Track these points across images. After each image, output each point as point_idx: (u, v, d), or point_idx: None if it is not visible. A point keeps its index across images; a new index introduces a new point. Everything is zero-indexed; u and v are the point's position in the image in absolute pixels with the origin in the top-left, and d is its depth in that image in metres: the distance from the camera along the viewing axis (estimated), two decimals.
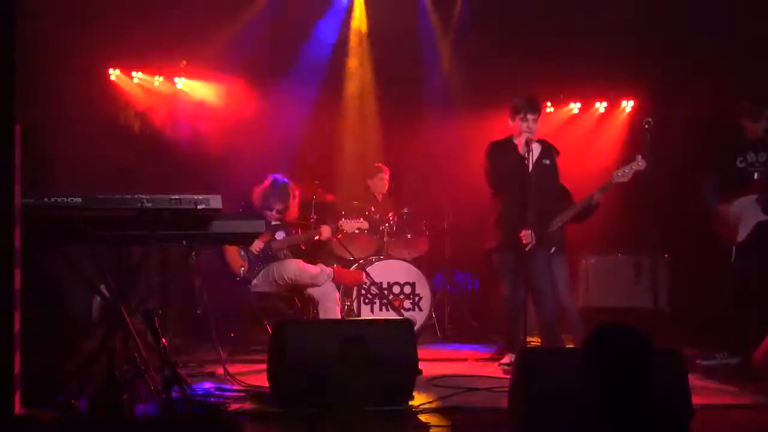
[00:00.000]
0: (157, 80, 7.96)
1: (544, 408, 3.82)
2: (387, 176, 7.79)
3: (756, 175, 6.04)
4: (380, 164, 7.81)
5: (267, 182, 6.57)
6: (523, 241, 5.66)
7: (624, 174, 5.73)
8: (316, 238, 6.78)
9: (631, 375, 2.61)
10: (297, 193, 6.67)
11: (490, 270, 6.80)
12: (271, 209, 6.50)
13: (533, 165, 5.71)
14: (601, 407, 2.63)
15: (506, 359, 5.83)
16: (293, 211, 6.70)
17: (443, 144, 8.17)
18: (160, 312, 5.72)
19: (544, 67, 7.80)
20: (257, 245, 6.29)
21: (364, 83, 8.44)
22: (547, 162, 5.87)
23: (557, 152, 6.00)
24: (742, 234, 5.99)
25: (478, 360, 6.19)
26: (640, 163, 5.67)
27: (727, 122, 6.24)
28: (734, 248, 6.03)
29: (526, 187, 5.65)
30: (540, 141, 5.90)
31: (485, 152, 5.94)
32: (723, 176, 6.13)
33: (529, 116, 5.77)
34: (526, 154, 5.67)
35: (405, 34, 8.06)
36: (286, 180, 6.62)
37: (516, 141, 5.84)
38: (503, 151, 5.87)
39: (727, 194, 6.08)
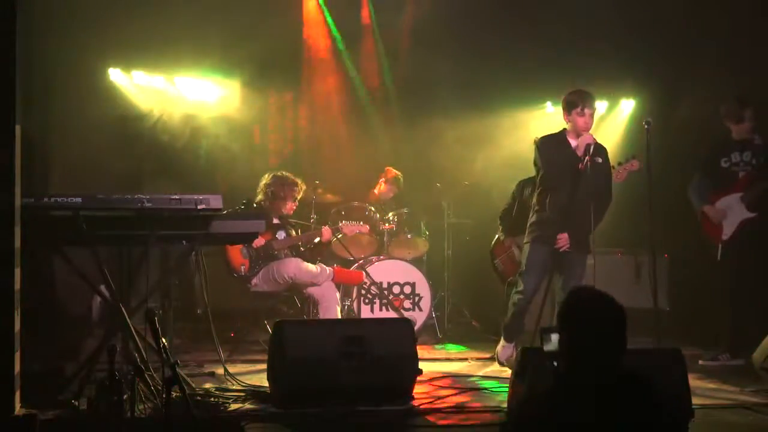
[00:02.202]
0: (157, 80, 7.96)
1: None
2: (398, 191, 7.76)
3: (741, 174, 6.09)
4: (397, 173, 7.78)
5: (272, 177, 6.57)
6: (558, 244, 5.57)
7: (618, 174, 5.71)
8: (317, 240, 6.78)
9: (602, 338, 2.54)
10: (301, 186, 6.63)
11: (495, 271, 6.81)
12: (285, 200, 6.50)
13: (587, 164, 5.51)
14: (572, 371, 2.58)
15: (501, 350, 5.85)
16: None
17: (443, 144, 8.17)
18: (160, 312, 5.71)
19: (545, 68, 7.80)
20: (258, 241, 6.29)
21: (365, 83, 8.44)
22: (600, 160, 5.63)
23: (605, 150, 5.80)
24: (727, 232, 6.06)
25: (478, 360, 6.19)
26: (633, 165, 5.65)
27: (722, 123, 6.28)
28: (720, 246, 6.07)
29: (577, 186, 5.49)
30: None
31: (537, 147, 5.70)
32: (708, 177, 6.20)
33: (587, 110, 5.55)
34: (583, 158, 5.47)
35: (407, 34, 8.07)
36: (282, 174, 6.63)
37: (570, 137, 5.63)
38: (556, 146, 5.64)
39: (713, 194, 6.14)
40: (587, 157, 5.49)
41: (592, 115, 5.61)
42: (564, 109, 5.66)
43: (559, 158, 5.58)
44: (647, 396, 2.52)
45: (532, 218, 5.77)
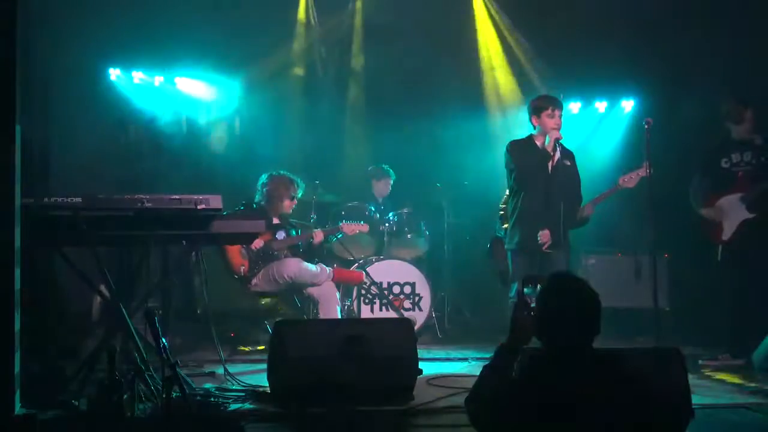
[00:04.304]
0: (157, 80, 7.96)
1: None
2: (391, 181, 7.82)
3: (741, 175, 6.10)
4: (388, 169, 7.81)
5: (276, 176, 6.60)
6: (541, 241, 5.62)
7: (630, 179, 5.77)
8: (310, 240, 6.78)
9: (580, 319, 2.67)
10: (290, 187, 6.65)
11: (497, 270, 6.81)
12: (282, 199, 6.52)
13: (556, 165, 5.66)
14: (551, 350, 2.69)
15: None
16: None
17: (444, 144, 8.17)
18: (160, 312, 5.71)
19: (545, 68, 7.80)
20: (257, 243, 6.30)
21: (366, 82, 8.44)
22: (568, 163, 5.78)
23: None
24: (727, 232, 6.07)
25: (478, 360, 6.18)
26: (645, 168, 5.71)
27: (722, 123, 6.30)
28: (720, 247, 6.08)
29: (549, 187, 5.62)
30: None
31: (507, 151, 5.82)
32: (709, 178, 6.22)
33: (556, 112, 5.69)
34: (553, 153, 5.62)
35: (407, 34, 8.06)
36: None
37: (537, 140, 5.75)
38: (525, 150, 5.77)
39: (713, 195, 6.15)
40: (557, 154, 5.63)
41: (560, 117, 5.73)
42: (532, 113, 5.80)
43: (531, 159, 5.70)
44: (615, 376, 2.63)
45: (510, 224, 5.84)
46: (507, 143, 5.91)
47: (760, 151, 6.07)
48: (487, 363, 2.88)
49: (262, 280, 6.36)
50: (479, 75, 8.13)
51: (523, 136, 5.91)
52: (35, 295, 4.83)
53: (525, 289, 2.90)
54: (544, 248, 5.62)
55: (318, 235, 6.74)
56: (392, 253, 7.40)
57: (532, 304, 2.80)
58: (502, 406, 2.61)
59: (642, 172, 5.74)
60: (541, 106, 5.75)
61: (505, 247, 5.88)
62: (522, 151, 5.78)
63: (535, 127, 5.80)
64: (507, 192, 6.74)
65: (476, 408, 2.74)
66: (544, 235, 5.62)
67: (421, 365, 4.80)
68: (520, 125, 8.11)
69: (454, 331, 7.45)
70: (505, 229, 6.68)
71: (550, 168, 5.65)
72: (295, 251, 6.69)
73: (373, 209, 7.44)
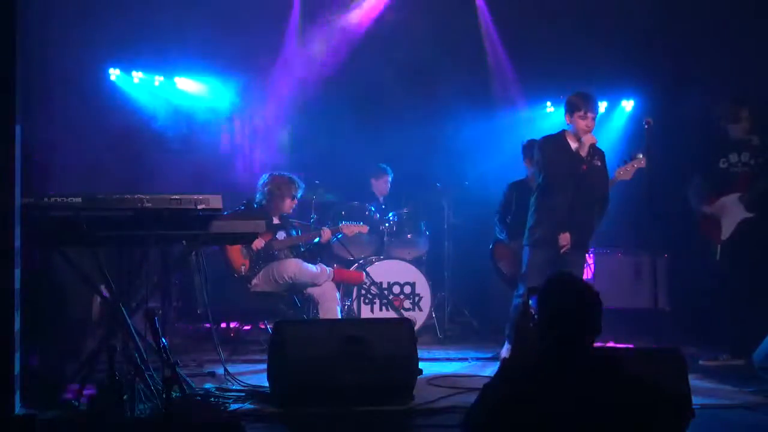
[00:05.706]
0: (157, 80, 7.96)
1: None
2: (390, 179, 7.82)
3: (739, 175, 6.11)
4: (385, 167, 7.82)
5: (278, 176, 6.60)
6: (561, 243, 5.59)
7: (626, 172, 5.76)
8: (316, 240, 6.80)
9: (579, 319, 2.66)
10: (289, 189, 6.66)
11: (499, 274, 6.81)
12: (282, 199, 6.52)
13: (587, 166, 5.62)
14: (550, 350, 2.68)
15: (505, 353, 5.84)
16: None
17: (444, 143, 8.18)
18: (160, 312, 5.71)
19: (545, 67, 7.80)
20: (258, 243, 6.30)
21: (366, 82, 8.43)
22: (599, 163, 5.73)
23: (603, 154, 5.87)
24: (726, 232, 6.07)
25: (478, 360, 6.18)
26: (641, 160, 5.71)
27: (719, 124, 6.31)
28: (719, 247, 6.08)
29: (578, 188, 5.58)
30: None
31: (539, 147, 5.76)
32: (707, 178, 6.22)
33: (589, 114, 5.61)
34: (586, 159, 5.59)
35: (407, 33, 8.07)
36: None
37: (570, 139, 5.68)
38: (557, 147, 5.69)
39: (711, 195, 6.15)
40: (588, 154, 5.58)
41: (594, 119, 5.67)
42: (567, 110, 5.72)
43: (562, 159, 5.63)
44: (616, 376, 2.62)
45: (532, 220, 5.78)
46: (540, 139, 5.82)
47: (757, 151, 6.08)
48: (487, 382, 2.84)
49: (262, 280, 6.36)
50: (480, 74, 8.12)
51: (555, 133, 5.83)
52: (35, 295, 4.83)
53: (530, 300, 2.88)
54: (562, 251, 5.61)
55: (326, 234, 6.75)
56: (392, 253, 7.40)
57: (536, 315, 2.78)
58: (502, 407, 2.60)
59: (637, 163, 5.73)
60: (575, 105, 5.65)
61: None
62: (554, 150, 5.69)
63: (568, 124, 5.74)
64: (505, 192, 6.76)
65: (476, 420, 2.70)
66: (563, 238, 5.59)
67: (421, 365, 4.80)
68: (520, 124, 8.18)
69: (454, 331, 7.45)
70: (504, 230, 6.70)
71: (584, 169, 5.59)
72: (295, 251, 6.69)
73: (373, 209, 7.44)
